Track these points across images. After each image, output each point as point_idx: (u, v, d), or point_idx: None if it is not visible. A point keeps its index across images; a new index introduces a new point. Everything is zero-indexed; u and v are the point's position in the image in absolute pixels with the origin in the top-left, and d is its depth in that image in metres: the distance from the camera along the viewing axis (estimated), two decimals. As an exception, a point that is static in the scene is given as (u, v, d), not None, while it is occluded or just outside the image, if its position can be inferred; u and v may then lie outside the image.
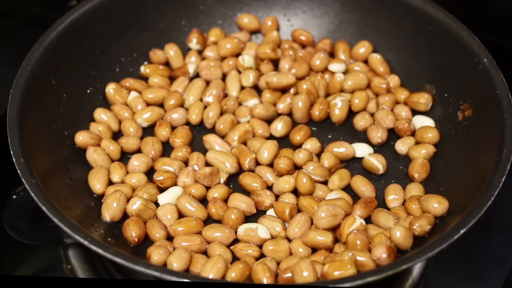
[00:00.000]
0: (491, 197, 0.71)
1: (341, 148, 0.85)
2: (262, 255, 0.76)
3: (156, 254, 0.72)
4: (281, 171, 0.82)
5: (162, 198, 0.80)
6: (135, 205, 0.78)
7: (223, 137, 0.88)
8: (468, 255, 0.87)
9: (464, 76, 0.86)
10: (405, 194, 0.82)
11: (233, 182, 0.84)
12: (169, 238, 0.77)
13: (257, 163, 0.84)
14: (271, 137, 0.88)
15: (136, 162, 0.83)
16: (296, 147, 0.86)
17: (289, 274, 0.71)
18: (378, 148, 0.88)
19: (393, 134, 0.89)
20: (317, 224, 0.76)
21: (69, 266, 0.83)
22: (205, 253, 0.76)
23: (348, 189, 0.83)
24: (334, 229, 0.76)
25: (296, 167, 0.83)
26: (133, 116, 0.89)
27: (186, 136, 0.87)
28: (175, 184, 0.82)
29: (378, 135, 0.87)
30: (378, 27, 0.96)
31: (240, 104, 0.91)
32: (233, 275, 0.70)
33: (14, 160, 0.73)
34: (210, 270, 0.70)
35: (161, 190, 0.82)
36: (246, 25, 0.99)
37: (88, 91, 0.90)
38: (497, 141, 0.76)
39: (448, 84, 0.89)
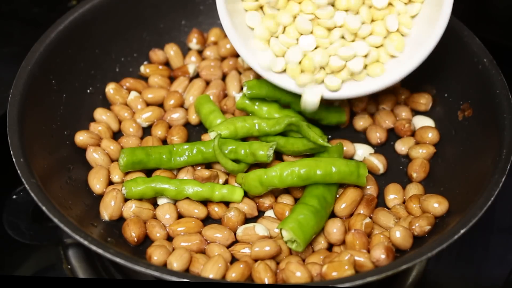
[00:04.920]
0: (491, 197, 0.71)
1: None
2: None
3: (156, 254, 0.72)
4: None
5: (161, 198, 0.80)
6: (131, 209, 0.78)
7: (223, 137, 0.88)
8: (468, 255, 0.87)
9: (464, 76, 0.86)
10: (405, 194, 0.82)
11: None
12: (169, 238, 0.77)
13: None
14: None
15: (136, 162, 0.83)
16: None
17: (289, 274, 0.71)
18: (378, 148, 0.88)
19: (393, 134, 0.89)
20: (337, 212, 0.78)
21: (69, 266, 0.83)
22: (204, 252, 0.76)
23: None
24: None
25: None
26: (133, 116, 0.89)
27: (182, 131, 0.87)
28: (175, 184, 0.82)
29: (377, 136, 0.87)
30: (378, 27, 0.96)
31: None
32: (233, 275, 0.70)
33: (14, 160, 0.73)
34: (210, 270, 0.70)
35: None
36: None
37: (88, 91, 0.90)
38: (497, 141, 0.76)
39: (448, 84, 0.89)
